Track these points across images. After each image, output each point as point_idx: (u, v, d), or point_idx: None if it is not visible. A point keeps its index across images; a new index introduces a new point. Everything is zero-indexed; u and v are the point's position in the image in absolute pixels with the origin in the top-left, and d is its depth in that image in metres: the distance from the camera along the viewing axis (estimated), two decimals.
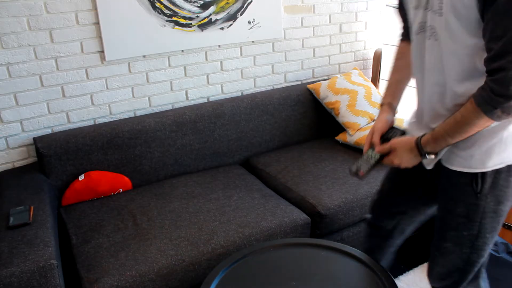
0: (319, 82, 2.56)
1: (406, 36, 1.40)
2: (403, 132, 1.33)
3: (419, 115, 1.32)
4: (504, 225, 1.99)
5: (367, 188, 2.00)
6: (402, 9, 1.36)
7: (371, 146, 1.34)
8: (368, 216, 1.61)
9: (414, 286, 2.01)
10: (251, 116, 2.32)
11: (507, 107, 1.01)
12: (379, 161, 1.28)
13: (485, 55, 1.04)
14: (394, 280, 1.35)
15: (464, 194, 1.21)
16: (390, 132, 1.35)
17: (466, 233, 1.23)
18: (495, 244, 1.90)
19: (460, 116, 1.11)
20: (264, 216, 1.82)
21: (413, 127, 1.34)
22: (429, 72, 1.21)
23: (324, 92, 2.50)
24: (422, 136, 1.21)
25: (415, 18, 1.22)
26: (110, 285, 1.49)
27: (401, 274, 2.10)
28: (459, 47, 1.10)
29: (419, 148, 1.21)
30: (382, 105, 1.45)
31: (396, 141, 1.28)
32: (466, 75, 1.12)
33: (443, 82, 1.17)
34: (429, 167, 1.28)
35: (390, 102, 1.43)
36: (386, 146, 1.29)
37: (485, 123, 1.09)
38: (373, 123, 2.36)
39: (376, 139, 1.35)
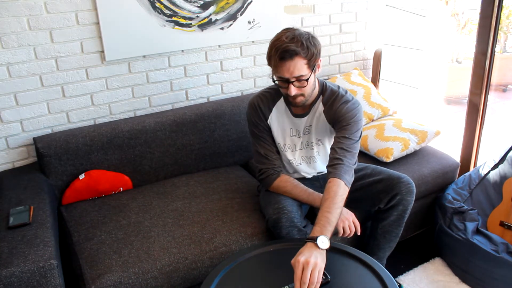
0: None
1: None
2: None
3: None
4: (504, 225, 1.99)
5: None
6: None
7: None
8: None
9: (414, 286, 2.01)
10: None
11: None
12: None
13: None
14: (394, 280, 1.35)
15: None
16: None
17: None
18: (495, 244, 1.90)
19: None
20: None
21: None
22: None
23: None
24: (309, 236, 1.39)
25: None
26: (113, 281, 1.49)
27: (401, 274, 2.10)
28: None
29: (314, 240, 1.35)
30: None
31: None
32: None
33: None
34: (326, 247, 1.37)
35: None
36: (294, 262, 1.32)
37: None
38: (371, 123, 2.38)
39: None
